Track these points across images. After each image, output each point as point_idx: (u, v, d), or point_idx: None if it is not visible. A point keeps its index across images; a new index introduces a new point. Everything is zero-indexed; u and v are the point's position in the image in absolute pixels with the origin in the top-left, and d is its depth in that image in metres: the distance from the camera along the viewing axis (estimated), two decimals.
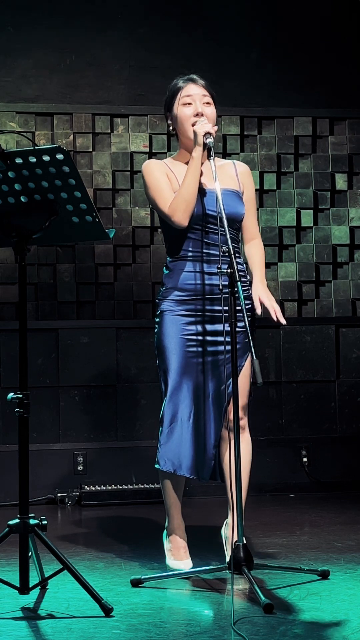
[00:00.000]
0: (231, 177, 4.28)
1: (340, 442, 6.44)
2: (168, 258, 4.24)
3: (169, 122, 4.26)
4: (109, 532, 5.16)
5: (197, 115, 4.14)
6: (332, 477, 6.38)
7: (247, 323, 3.82)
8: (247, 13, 6.65)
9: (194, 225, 4.13)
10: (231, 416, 3.93)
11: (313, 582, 3.89)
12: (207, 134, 4.05)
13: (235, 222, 4.21)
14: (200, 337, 4.14)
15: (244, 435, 4.16)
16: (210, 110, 4.19)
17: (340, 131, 6.75)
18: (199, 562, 4.21)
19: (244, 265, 4.26)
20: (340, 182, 6.71)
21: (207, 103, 4.19)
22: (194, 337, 4.14)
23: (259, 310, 4.13)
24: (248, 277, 4.25)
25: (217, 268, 3.87)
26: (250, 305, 4.20)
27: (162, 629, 3.29)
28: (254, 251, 4.30)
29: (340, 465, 6.39)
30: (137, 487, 6.07)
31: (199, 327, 4.15)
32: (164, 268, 4.25)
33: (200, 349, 4.14)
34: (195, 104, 4.17)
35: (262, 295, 4.14)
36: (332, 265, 6.65)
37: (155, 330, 4.19)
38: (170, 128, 4.26)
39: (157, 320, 4.19)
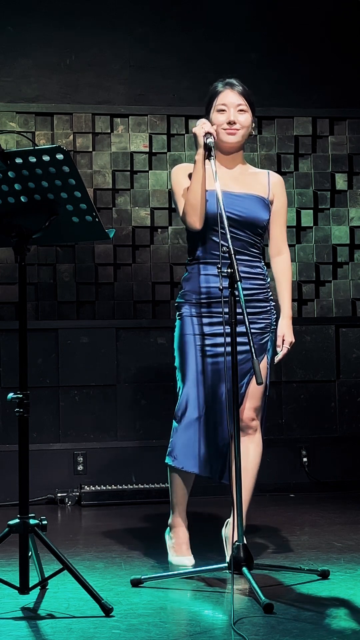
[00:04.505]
0: (261, 185, 4.30)
1: (340, 442, 6.43)
2: (187, 259, 4.30)
3: None
4: (109, 532, 5.15)
5: (229, 123, 4.21)
6: (332, 477, 6.37)
7: (248, 326, 3.80)
8: (247, 13, 6.64)
9: (214, 227, 4.12)
10: (243, 416, 4.06)
11: (313, 582, 3.89)
12: (208, 134, 4.06)
13: (257, 228, 4.22)
14: (216, 339, 4.17)
15: (255, 436, 4.20)
16: (244, 118, 4.24)
17: (340, 131, 6.74)
18: (200, 562, 4.21)
19: (264, 269, 4.25)
20: (340, 182, 6.71)
21: (242, 110, 4.24)
22: (211, 339, 4.18)
23: (280, 350, 4.24)
24: (269, 294, 4.26)
25: (217, 268, 3.86)
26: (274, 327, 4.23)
27: (162, 629, 3.29)
28: (281, 275, 4.30)
29: (340, 465, 6.39)
30: (137, 487, 6.07)
31: (215, 329, 4.18)
32: (185, 269, 4.30)
33: (216, 350, 4.17)
34: (229, 112, 4.21)
35: (286, 335, 4.24)
36: (332, 265, 6.65)
37: (175, 332, 4.27)
38: None
39: (177, 321, 4.26)
